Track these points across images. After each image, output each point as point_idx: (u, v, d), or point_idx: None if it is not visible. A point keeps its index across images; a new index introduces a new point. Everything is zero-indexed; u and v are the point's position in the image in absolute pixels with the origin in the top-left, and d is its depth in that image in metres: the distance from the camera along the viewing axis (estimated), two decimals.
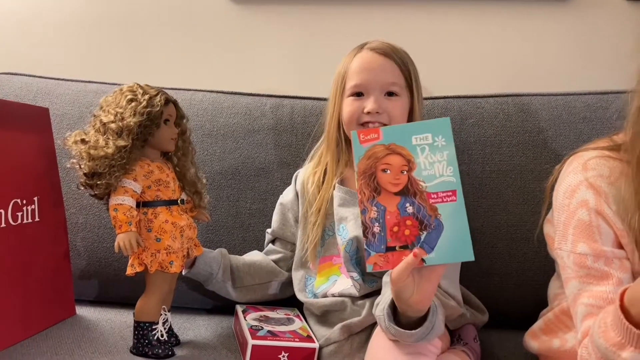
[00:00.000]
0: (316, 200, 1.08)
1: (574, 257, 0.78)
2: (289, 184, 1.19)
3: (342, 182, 1.08)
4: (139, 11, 1.51)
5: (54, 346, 0.98)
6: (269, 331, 0.98)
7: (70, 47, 1.53)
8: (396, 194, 0.75)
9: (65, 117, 1.28)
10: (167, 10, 1.50)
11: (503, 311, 1.13)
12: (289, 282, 1.13)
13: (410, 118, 1.05)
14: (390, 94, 1.01)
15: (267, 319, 1.05)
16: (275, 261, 1.15)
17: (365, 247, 0.75)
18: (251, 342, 0.93)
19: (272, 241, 1.19)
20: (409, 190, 0.75)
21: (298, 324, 1.05)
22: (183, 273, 1.06)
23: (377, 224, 0.75)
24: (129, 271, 0.95)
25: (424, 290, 0.75)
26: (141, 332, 0.96)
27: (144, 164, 0.97)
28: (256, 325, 1.00)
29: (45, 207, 1.07)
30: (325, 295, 1.05)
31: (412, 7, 1.43)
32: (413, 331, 0.78)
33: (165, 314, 0.98)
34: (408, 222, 0.74)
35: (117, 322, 1.10)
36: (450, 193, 0.74)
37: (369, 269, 0.75)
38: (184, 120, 1.04)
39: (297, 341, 0.96)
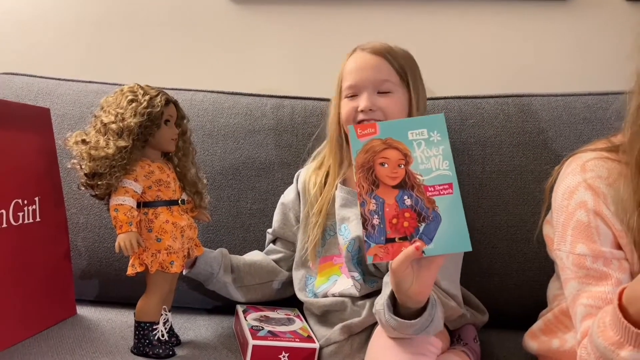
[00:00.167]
0: (318, 200, 1.09)
1: (573, 257, 0.79)
2: (290, 184, 1.19)
3: (344, 183, 1.09)
4: (139, 11, 1.51)
5: (54, 346, 0.98)
6: (269, 331, 0.98)
7: (71, 47, 1.53)
8: (394, 187, 0.76)
9: (66, 117, 1.28)
10: (168, 10, 1.50)
11: (503, 311, 1.13)
12: (289, 282, 1.13)
13: (410, 114, 1.05)
14: (383, 91, 1.02)
15: (267, 319, 1.05)
16: (276, 261, 1.16)
17: (364, 238, 0.76)
18: (252, 342, 0.93)
19: (273, 241, 1.19)
20: (407, 184, 0.76)
21: (298, 324, 1.05)
22: (184, 273, 1.07)
23: (376, 216, 0.76)
24: (130, 271, 0.95)
25: (423, 280, 0.76)
26: (142, 332, 0.96)
27: (145, 164, 0.97)
28: (257, 326, 1.00)
29: (46, 207, 1.07)
30: (325, 295, 1.05)
31: (412, 7, 1.43)
32: (413, 321, 0.79)
33: (166, 314, 0.99)
34: (406, 214, 0.75)
35: (117, 322, 1.10)
36: (447, 186, 0.75)
37: (369, 260, 0.76)
38: (185, 121, 1.05)
39: (297, 341, 0.96)
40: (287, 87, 1.36)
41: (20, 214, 1.00)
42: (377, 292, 0.96)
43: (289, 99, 1.30)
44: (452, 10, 1.42)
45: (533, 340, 0.95)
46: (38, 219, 1.05)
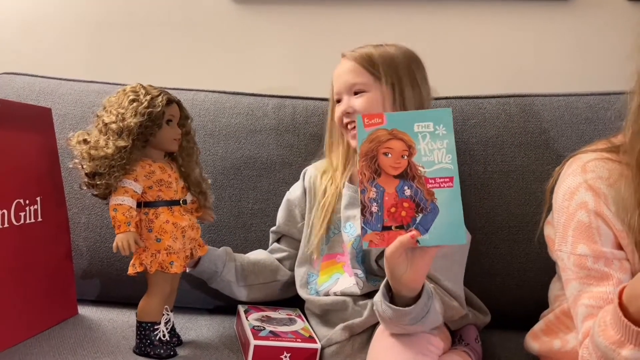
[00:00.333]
0: (324, 197, 1.10)
1: (574, 258, 0.79)
2: (291, 184, 1.19)
3: (351, 181, 1.09)
4: (141, 11, 1.51)
5: (56, 346, 0.99)
6: (271, 331, 0.98)
7: (72, 47, 1.53)
8: (395, 177, 0.78)
9: (67, 117, 1.28)
10: (169, 10, 1.50)
11: (504, 312, 1.13)
12: (292, 282, 1.14)
13: (393, 109, 1.05)
14: (357, 92, 1.05)
15: (269, 319, 1.05)
16: (280, 260, 1.16)
17: (362, 225, 0.78)
18: (253, 342, 0.93)
19: (277, 240, 1.19)
20: (408, 174, 0.78)
21: (300, 325, 1.05)
22: (187, 271, 1.07)
23: (375, 204, 0.78)
24: (130, 271, 0.96)
25: (417, 269, 0.77)
26: (143, 332, 0.96)
27: (146, 164, 0.97)
28: (258, 326, 1.00)
29: (48, 207, 1.07)
30: (327, 294, 1.06)
31: (413, 7, 1.43)
32: (408, 309, 0.80)
33: (168, 314, 0.99)
34: (405, 204, 0.77)
35: (119, 322, 1.10)
36: (448, 179, 0.77)
37: (365, 245, 0.78)
38: (189, 121, 1.05)
39: (299, 341, 0.96)
40: (288, 87, 1.36)
41: (22, 214, 1.00)
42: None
43: (291, 99, 1.31)
44: (452, 10, 1.42)
45: (534, 341, 0.95)
46: (40, 219, 1.05)
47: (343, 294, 1.03)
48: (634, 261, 0.77)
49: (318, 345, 0.97)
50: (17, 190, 1.00)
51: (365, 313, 0.98)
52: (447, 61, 1.41)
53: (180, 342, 1.03)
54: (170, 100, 0.99)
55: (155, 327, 0.96)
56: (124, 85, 1.00)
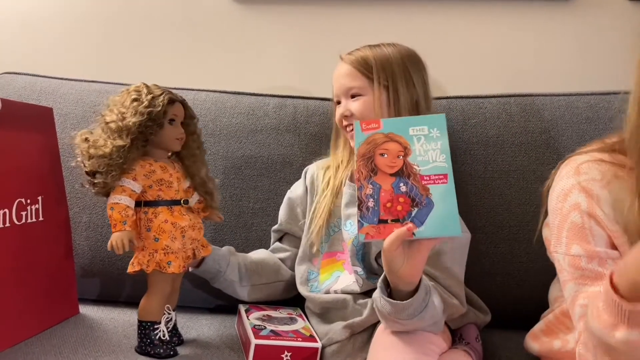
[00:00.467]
0: (325, 195, 1.10)
1: (569, 259, 0.79)
2: (292, 183, 1.20)
3: (352, 179, 1.10)
4: (142, 11, 1.51)
5: (57, 345, 0.99)
6: (271, 331, 0.98)
7: (74, 46, 1.53)
8: (391, 175, 0.80)
9: (68, 117, 1.28)
10: (170, 10, 1.50)
11: (505, 311, 1.13)
12: (294, 282, 1.14)
13: (389, 112, 1.05)
14: (354, 95, 1.07)
15: (270, 319, 1.05)
16: (282, 259, 1.16)
17: (358, 218, 0.79)
18: (254, 341, 0.93)
19: (279, 239, 1.19)
20: (404, 172, 0.80)
21: (301, 324, 1.05)
22: (190, 270, 1.07)
23: (371, 199, 0.80)
24: (130, 269, 0.96)
25: (414, 262, 0.79)
26: (144, 332, 0.96)
27: (146, 163, 0.98)
28: (259, 325, 1.00)
29: (49, 207, 1.07)
30: (327, 292, 1.06)
31: (413, 7, 1.43)
32: (406, 302, 0.81)
33: (169, 314, 0.99)
34: (401, 200, 0.79)
35: (120, 321, 1.10)
36: (442, 176, 0.79)
37: (361, 238, 0.79)
38: (194, 121, 1.05)
39: (300, 341, 0.96)
40: (289, 86, 1.36)
41: (23, 213, 1.01)
42: None
43: (291, 99, 1.31)
44: (453, 10, 1.42)
45: (534, 341, 0.95)
46: (41, 218, 1.05)
47: (343, 292, 1.04)
48: None
49: (319, 345, 0.97)
50: (18, 190, 1.00)
51: (366, 312, 0.99)
52: (447, 61, 1.41)
53: (181, 341, 1.03)
54: (173, 100, 0.99)
55: (156, 326, 0.96)
56: (125, 84, 1.01)
